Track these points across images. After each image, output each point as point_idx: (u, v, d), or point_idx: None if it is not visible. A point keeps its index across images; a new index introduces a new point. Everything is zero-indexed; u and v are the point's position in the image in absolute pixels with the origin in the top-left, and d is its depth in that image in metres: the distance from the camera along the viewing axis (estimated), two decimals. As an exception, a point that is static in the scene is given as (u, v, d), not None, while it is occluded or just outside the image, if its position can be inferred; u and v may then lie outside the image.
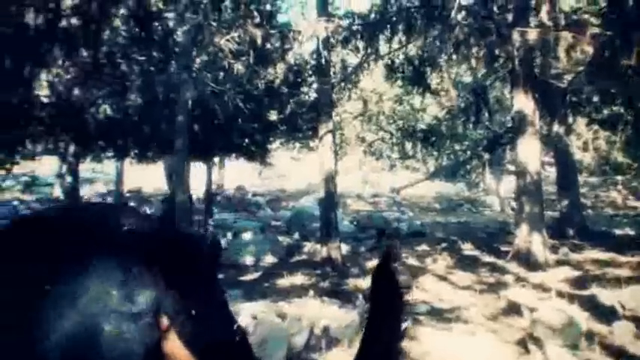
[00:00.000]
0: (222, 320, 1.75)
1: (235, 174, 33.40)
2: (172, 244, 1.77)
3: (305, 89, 19.52)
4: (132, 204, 25.56)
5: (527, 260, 13.29)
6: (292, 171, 37.37)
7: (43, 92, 14.22)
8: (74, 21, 12.92)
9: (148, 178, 30.93)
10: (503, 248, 15.04)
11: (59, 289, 1.55)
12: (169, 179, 12.60)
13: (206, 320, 1.66)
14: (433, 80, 20.78)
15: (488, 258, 14.37)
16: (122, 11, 13.99)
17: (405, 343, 7.77)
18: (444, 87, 19.45)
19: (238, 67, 14.85)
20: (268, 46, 15.09)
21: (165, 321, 1.56)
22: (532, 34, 12.97)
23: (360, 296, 9.82)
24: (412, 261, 14.19)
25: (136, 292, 1.55)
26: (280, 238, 17.25)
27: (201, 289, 1.71)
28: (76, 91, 13.88)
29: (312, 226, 18.53)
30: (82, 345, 1.47)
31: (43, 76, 13.76)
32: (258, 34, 13.30)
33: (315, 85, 17.92)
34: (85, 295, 1.53)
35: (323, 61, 13.66)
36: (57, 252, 1.65)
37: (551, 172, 23.36)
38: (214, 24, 14.28)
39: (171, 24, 14.99)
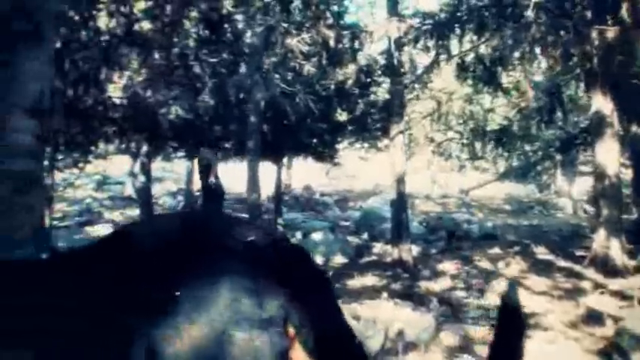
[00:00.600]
0: (341, 329, 1.73)
1: (303, 174, 33.44)
2: (291, 253, 1.75)
3: (375, 89, 19.38)
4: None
5: (605, 266, 12.84)
6: (360, 171, 37.20)
7: (115, 94, 14.52)
8: (147, 24, 13.13)
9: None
10: (578, 252, 14.59)
11: (189, 296, 1.54)
12: (203, 175, 12.60)
13: (326, 329, 1.64)
14: (505, 79, 20.33)
15: (563, 262, 13.93)
16: (193, 14, 14.13)
17: (481, 349, 7.59)
18: (522, 87, 18.95)
19: (309, 67, 14.87)
20: (339, 46, 15.03)
21: (291, 330, 1.55)
22: (611, 33, 12.55)
23: (435, 300, 9.67)
24: (485, 264, 13.92)
25: (266, 301, 1.53)
26: (349, 239, 17.19)
27: (320, 299, 1.69)
28: (149, 93, 14.09)
29: (381, 226, 18.37)
30: (214, 351, 1.46)
31: (116, 78, 14.06)
32: (330, 34, 13.29)
33: (385, 85, 17.79)
34: (216, 302, 1.52)
35: (395, 61, 13.53)
36: (185, 259, 1.64)
37: (627, 174, 22.61)
38: (285, 25, 14.31)
39: (241, 26, 15.07)
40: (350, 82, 17.29)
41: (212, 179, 12.87)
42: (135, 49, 12.71)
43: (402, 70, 15.23)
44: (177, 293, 1.56)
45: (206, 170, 13.02)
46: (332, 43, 13.70)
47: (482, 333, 8.35)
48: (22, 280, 1.73)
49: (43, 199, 4.03)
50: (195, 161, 23.51)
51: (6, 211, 3.81)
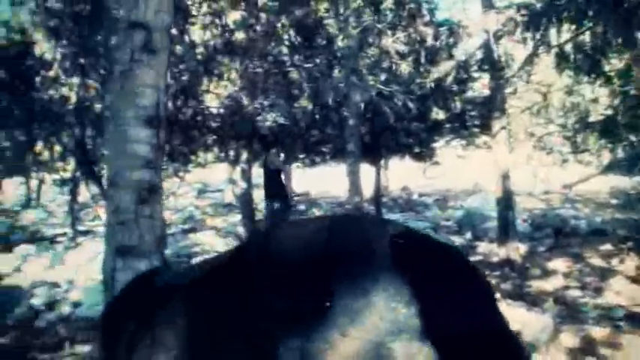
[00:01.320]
0: (494, 331, 1.60)
1: (399, 174, 33.22)
2: (444, 256, 1.63)
3: (472, 85, 18.99)
4: (302, 207, 26.15)
5: None
6: (458, 169, 36.56)
7: (213, 103, 14.81)
8: (241, 35, 13.32)
9: (314, 181, 31.52)
10: (698, 246, 13.80)
11: (341, 306, 1.45)
12: (270, 180, 12.36)
13: (475, 333, 1.51)
14: (607, 67, 19.48)
15: (683, 257, 13.19)
16: (283, 21, 14.22)
17: (605, 351, 7.21)
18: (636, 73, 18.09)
19: (405, 67, 14.73)
20: (435, 43, 14.81)
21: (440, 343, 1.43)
22: None
23: (551, 300, 9.30)
24: (597, 261, 13.35)
25: (422, 309, 1.43)
26: (452, 239, 16.89)
27: (472, 301, 1.57)
28: (245, 101, 14.28)
29: (484, 225, 17.95)
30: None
31: (212, 87, 14.33)
32: (428, 32, 13.11)
33: (483, 80, 17.42)
34: (371, 312, 1.42)
35: (495, 55, 13.18)
36: (333, 266, 1.56)
37: None
38: (379, 26, 14.22)
39: (333, 30, 15.07)
40: (448, 79, 16.96)
41: (279, 183, 12.83)
42: (232, 58, 12.90)
43: (502, 63, 14.83)
44: (328, 304, 1.48)
45: (274, 175, 12.97)
46: (429, 40, 13.51)
47: (604, 334, 7.95)
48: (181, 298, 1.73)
49: (162, 208, 4.07)
50: (293, 166, 23.76)
51: (130, 222, 3.87)
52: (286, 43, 14.89)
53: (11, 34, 20.06)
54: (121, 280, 3.54)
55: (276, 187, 11.52)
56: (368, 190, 20.35)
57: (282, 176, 13.14)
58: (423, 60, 14.73)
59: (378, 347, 1.39)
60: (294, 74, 13.78)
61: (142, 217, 3.87)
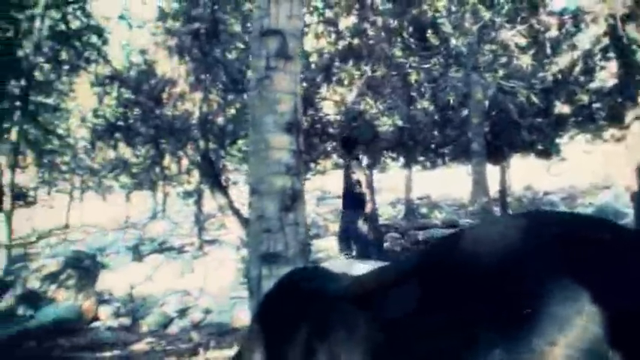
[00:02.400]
0: None
1: (522, 173, 32.17)
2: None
3: (598, 75, 18.09)
4: (424, 210, 25.81)
5: None
6: (583, 165, 35.01)
7: (330, 111, 14.83)
8: (355, 41, 13.29)
9: (435, 184, 31.08)
10: None
11: (548, 313, 1.32)
12: (348, 191, 11.78)
13: None
14: None
15: None
16: (398, 23, 14.06)
17: None
18: None
19: (525, 60, 14.23)
20: (557, 33, 14.22)
21: None
22: None
23: None
24: None
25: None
26: (586, 238, 16.12)
27: None
28: (364, 106, 14.21)
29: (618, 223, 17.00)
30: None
31: (329, 94, 14.35)
32: (552, 21, 12.60)
33: (610, 69, 16.55)
34: (580, 319, 1.28)
35: (625, 39, 12.49)
36: (544, 267, 1.42)
37: None
38: (497, 20, 13.83)
39: (447, 29, 14.77)
40: (574, 69, 16.25)
41: (357, 190, 12.47)
42: (351, 63, 12.87)
43: (631, 49, 14.04)
44: (530, 310, 1.36)
45: (354, 185, 12.59)
46: (554, 30, 12.97)
47: None
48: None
49: (305, 214, 4.03)
50: (413, 170, 23.50)
51: (276, 229, 3.86)
52: (402, 45, 14.74)
53: (131, 57, 21.06)
54: (267, 288, 3.51)
55: (353, 199, 11.11)
56: (491, 190, 19.83)
57: (363, 186, 12.79)
58: (544, 52, 14.15)
59: (590, 356, 1.25)
60: (412, 76, 13.58)
61: (286, 224, 3.85)
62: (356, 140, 11.58)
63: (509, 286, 1.37)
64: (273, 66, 4.03)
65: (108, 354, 8.63)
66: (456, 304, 1.46)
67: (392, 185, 31.99)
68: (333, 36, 13.51)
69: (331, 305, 1.88)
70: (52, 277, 14.46)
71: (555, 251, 1.39)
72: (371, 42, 13.10)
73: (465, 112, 15.87)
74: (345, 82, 13.32)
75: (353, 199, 9.92)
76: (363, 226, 9.27)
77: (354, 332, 1.71)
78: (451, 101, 13.88)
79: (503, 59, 14.74)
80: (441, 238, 1.85)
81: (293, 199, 3.90)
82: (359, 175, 10.77)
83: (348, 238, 8.58)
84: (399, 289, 1.67)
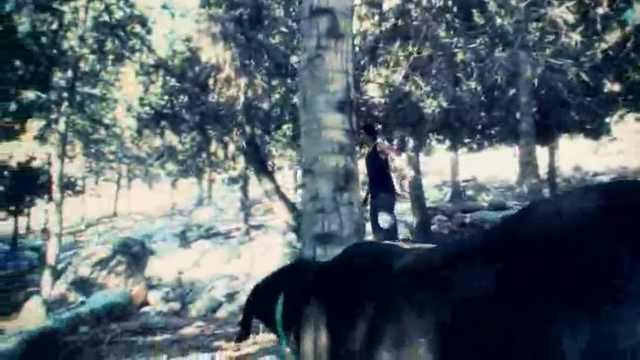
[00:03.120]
0: None
1: (570, 153, 31.57)
2: None
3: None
4: (470, 192, 25.56)
5: None
6: (633, 145, 34.21)
7: (375, 93, 14.69)
8: (400, 21, 13.12)
9: (481, 166, 30.75)
10: None
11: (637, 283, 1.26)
12: (376, 174, 10.77)
13: None
14: None
15: None
16: (438, 3, 13.83)
17: None
18: None
19: (574, 37, 13.88)
20: (607, 9, 13.81)
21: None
22: None
23: None
24: None
25: None
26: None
27: None
28: (410, 87, 14.05)
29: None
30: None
31: (373, 77, 14.22)
32: (603, -3, 12.25)
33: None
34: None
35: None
36: (623, 240, 1.36)
37: None
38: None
39: (493, 7, 14.49)
40: (624, 47, 15.77)
41: (386, 179, 11.95)
42: (397, 45, 12.73)
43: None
44: (622, 282, 1.30)
45: (381, 168, 11.99)
46: (604, 6, 12.61)
47: None
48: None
49: (359, 194, 3.98)
50: (459, 152, 23.24)
51: (330, 210, 3.81)
52: (447, 25, 14.52)
53: (174, 46, 21.21)
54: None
55: (382, 183, 10.31)
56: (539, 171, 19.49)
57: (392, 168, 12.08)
58: (594, 28, 13.76)
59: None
60: (459, 56, 13.36)
61: (341, 204, 3.80)
62: (373, 127, 11.25)
63: (586, 261, 1.32)
64: (323, 45, 3.97)
65: (159, 338, 8.72)
66: (528, 283, 1.41)
67: (438, 168, 31.75)
68: (377, 17, 13.37)
69: (396, 281, 1.83)
70: (103, 264, 14.73)
71: (632, 223, 1.33)
72: (415, 23, 12.93)
73: (512, 92, 15.57)
74: (391, 64, 13.17)
75: (382, 185, 9.48)
76: (390, 214, 8.81)
77: (422, 310, 1.66)
78: (498, 81, 13.61)
79: (551, 37, 14.41)
80: (507, 216, 1.79)
81: (347, 179, 3.85)
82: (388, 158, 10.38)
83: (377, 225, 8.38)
84: (466, 267, 1.62)
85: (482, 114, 15.99)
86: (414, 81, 13.19)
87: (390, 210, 8.54)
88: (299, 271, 2.92)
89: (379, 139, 9.10)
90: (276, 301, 2.80)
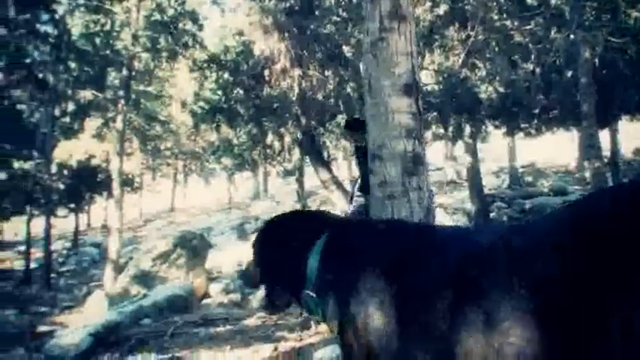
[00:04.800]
0: None
1: (630, 136, 30.65)
2: None
3: None
4: (529, 178, 25.12)
5: None
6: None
7: (430, 80, 14.52)
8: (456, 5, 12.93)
9: (539, 151, 30.18)
10: None
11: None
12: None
13: None
14: None
15: None
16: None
17: None
18: None
19: (633, 14, 13.47)
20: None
21: None
22: None
23: None
24: None
25: None
26: None
27: None
28: (463, 73, 13.83)
29: None
30: None
31: (427, 63, 14.04)
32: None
33: None
34: None
35: None
36: None
37: None
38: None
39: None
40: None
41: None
42: (453, 29, 12.54)
43: None
44: None
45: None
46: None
47: None
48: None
49: (427, 178, 3.90)
50: (516, 137, 22.84)
51: (399, 195, 3.75)
52: (500, 7, 14.25)
53: (225, 41, 21.34)
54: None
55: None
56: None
57: None
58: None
59: None
60: (515, 38, 13.09)
61: (410, 189, 3.73)
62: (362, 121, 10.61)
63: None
64: (387, 27, 3.90)
65: (221, 329, 8.78)
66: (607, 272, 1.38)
67: (495, 154, 31.28)
68: (428, 3, 13.18)
69: (482, 260, 1.74)
70: (163, 258, 14.92)
71: None
72: (468, 7, 12.72)
73: (569, 73, 15.20)
74: (447, 49, 12.99)
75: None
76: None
77: (509, 292, 1.59)
78: (556, 62, 13.29)
79: (608, 15, 14.02)
80: (578, 200, 1.73)
81: (415, 163, 3.77)
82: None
83: None
84: (552, 250, 1.55)
85: (540, 97, 15.64)
86: (472, 65, 12.97)
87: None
88: (358, 224, 2.77)
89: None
90: (307, 250, 2.44)
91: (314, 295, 2.34)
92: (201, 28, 21.64)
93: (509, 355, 1.53)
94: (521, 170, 26.90)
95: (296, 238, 2.56)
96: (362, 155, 8.72)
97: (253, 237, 3.12)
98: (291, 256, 2.53)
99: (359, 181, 8.48)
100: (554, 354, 1.45)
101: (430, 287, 1.84)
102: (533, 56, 13.20)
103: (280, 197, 32.58)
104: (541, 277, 1.53)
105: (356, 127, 8.61)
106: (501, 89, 14.38)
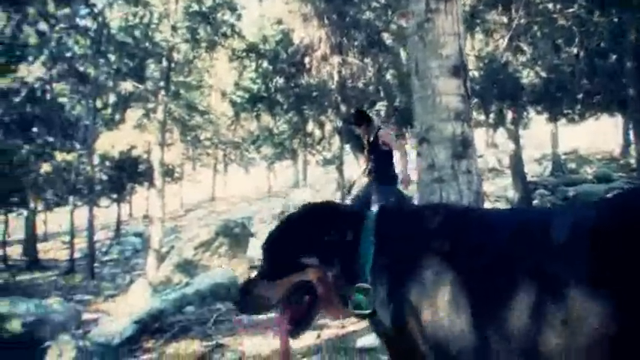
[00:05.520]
0: None
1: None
2: None
3: None
4: (572, 165, 24.69)
5: None
6: None
7: (470, 65, 14.31)
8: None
9: (582, 137, 29.64)
10: None
11: None
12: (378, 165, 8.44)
13: None
14: None
15: None
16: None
17: None
18: None
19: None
20: None
21: None
22: None
23: None
24: None
25: None
26: None
27: None
28: (505, 58, 13.62)
29: None
30: None
31: (466, 49, 13.82)
32: None
33: None
34: None
35: None
36: None
37: None
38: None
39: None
40: None
41: (389, 170, 9.93)
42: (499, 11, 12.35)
43: None
44: None
45: (384, 158, 9.87)
46: None
47: None
48: None
49: (476, 162, 3.82)
50: (558, 123, 22.46)
51: (448, 179, 3.68)
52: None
53: (264, 30, 21.37)
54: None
55: (385, 175, 8.75)
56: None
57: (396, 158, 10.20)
58: None
59: None
60: (559, 21, 12.83)
61: (459, 173, 3.66)
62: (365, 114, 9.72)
63: None
64: (433, 8, 3.82)
65: (263, 316, 8.81)
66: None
67: (537, 141, 30.76)
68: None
69: (558, 249, 1.64)
70: (205, 246, 15.03)
71: None
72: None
73: (614, 57, 14.86)
74: (489, 33, 12.80)
75: (386, 177, 8.30)
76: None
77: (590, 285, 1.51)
78: (600, 45, 13.00)
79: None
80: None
81: (464, 146, 3.70)
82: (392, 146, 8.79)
83: None
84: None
85: (584, 82, 15.32)
86: (515, 49, 12.75)
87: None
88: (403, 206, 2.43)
89: (381, 128, 8.16)
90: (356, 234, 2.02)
91: (369, 288, 1.91)
92: (239, 17, 21.71)
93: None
94: (563, 157, 26.41)
95: (338, 224, 2.08)
96: (375, 149, 8.37)
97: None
98: (335, 245, 2.03)
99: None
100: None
101: (504, 276, 1.65)
102: (577, 39, 12.90)
103: (320, 186, 32.59)
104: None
105: (361, 120, 8.35)
106: (544, 74, 14.12)
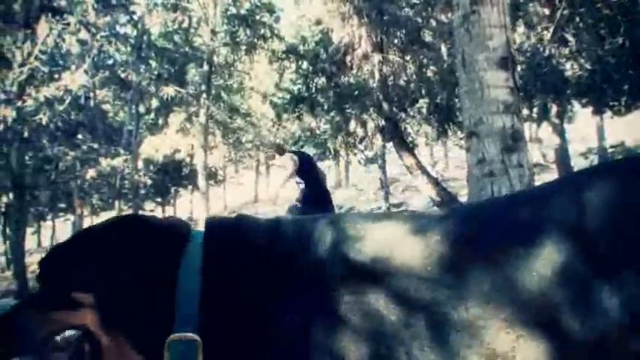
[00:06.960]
0: None
1: None
2: None
3: None
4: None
5: None
6: None
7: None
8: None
9: (629, 129, 29.04)
10: None
11: None
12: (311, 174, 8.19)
13: None
14: None
15: None
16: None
17: None
18: None
19: None
20: None
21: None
22: None
23: None
24: None
25: None
26: None
27: None
28: (549, 50, 13.39)
29: None
30: None
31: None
32: None
33: None
34: None
35: None
36: None
37: None
38: None
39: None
40: None
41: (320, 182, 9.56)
42: (539, 3, 12.15)
43: None
44: None
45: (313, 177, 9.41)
46: None
47: None
48: None
49: (527, 155, 3.75)
50: (604, 116, 22.02)
51: (499, 173, 3.61)
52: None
53: (302, 31, 21.40)
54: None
55: (316, 193, 8.63)
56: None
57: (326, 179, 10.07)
58: None
59: None
60: (603, 10, 12.56)
61: (510, 167, 3.59)
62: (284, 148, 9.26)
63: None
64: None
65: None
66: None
67: (582, 135, 30.23)
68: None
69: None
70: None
71: None
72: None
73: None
74: (531, 25, 12.61)
75: (315, 194, 8.20)
76: None
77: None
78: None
79: None
80: None
81: (514, 139, 3.63)
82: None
83: None
84: None
85: (630, 72, 14.98)
86: (559, 40, 12.51)
87: None
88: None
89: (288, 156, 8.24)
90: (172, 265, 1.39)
91: (196, 339, 1.32)
92: (277, 19, 21.80)
93: None
94: (610, 150, 25.93)
95: (146, 247, 1.46)
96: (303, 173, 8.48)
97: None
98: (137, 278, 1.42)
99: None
100: None
101: None
102: (622, 29, 12.62)
103: (362, 185, 32.55)
104: None
105: (282, 153, 8.65)
106: (588, 66, 13.85)
